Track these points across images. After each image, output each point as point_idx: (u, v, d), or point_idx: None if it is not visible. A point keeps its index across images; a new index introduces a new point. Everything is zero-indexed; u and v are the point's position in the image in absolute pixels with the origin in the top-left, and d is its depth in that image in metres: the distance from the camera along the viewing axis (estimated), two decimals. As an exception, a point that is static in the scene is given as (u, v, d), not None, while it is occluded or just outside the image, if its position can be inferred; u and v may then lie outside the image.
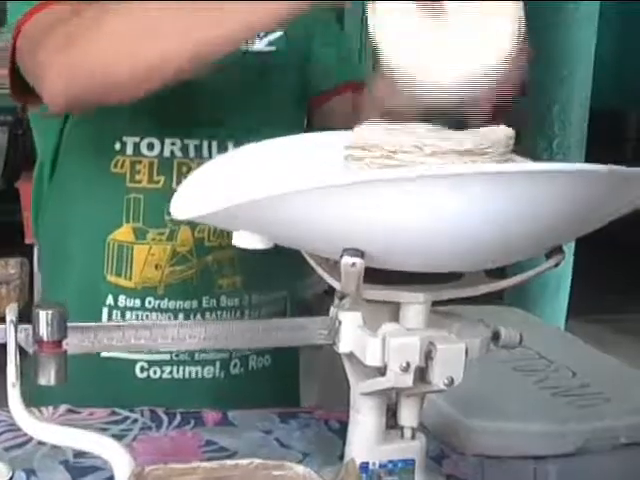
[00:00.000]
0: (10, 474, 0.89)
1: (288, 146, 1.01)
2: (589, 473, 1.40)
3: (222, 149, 1.30)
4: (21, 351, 0.85)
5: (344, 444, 0.95)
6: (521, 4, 0.88)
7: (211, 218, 0.88)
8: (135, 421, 1.21)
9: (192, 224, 1.30)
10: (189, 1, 1.02)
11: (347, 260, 0.80)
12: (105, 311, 1.31)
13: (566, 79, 3.62)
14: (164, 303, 1.31)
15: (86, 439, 0.87)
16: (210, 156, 1.29)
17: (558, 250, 0.87)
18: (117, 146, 1.28)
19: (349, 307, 0.90)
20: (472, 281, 0.90)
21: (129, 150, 1.28)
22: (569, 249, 3.02)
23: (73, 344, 0.86)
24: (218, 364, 1.34)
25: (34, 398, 0.90)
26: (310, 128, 1.42)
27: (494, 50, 0.87)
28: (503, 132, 0.86)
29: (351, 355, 0.89)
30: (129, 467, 0.85)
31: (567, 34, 3.61)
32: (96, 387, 1.29)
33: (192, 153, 1.30)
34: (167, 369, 1.33)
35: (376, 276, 0.84)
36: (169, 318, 1.31)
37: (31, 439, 1.08)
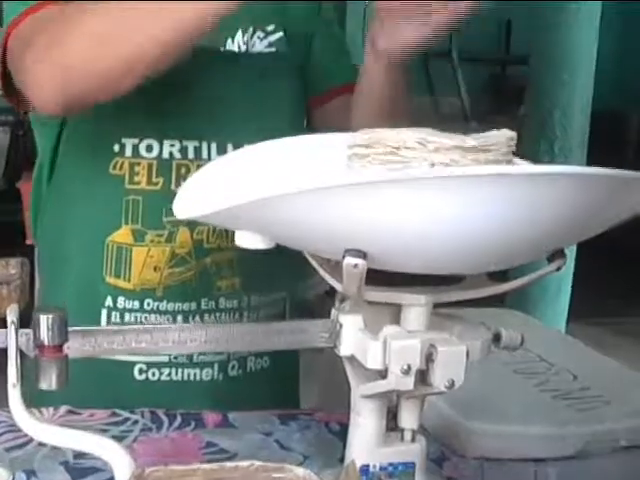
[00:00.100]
0: (10, 478, 0.89)
1: (291, 146, 1.01)
2: (589, 476, 1.40)
3: (221, 151, 1.29)
4: (21, 352, 0.85)
5: (344, 446, 0.95)
6: None
7: (213, 218, 0.88)
8: (135, 422, 1.21)
9: (191, 226, 1.30)
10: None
11: (349, 261, 0.80)
12: (104, 313, 1.31)
13: (567, 82, 3.62)
14: (163, 305, 1.31)
15: (86, 440, 0.87)
16: (209, 158, 1.29)
17: (560, 254, 0.87)
18: (116, 148, 1.28)
19: (350, 310, 0.90)
20: (474, 284, 0.90)
21: (128, 152, 1.28)
22: (570, 252, 3.02)
23: (74, 348, 0.85)
24: (216, 366, 1.34)
25: (34, 399, 0.89)
26: (310, 129, 1.42)
27: None
28: (505, 134, 0.86)
29: (352, 358, 0.89)
30: (129, 468, 0.85)
31: (569, 37, 3.61)
32: (95, 389, 1.29)
33: (191, 154, 1.29)
34: (165, 371, 1.33)
35: (377, 278, 0.84)
36: (168, 320, 1.31)
37: (31, 440, 1.07)
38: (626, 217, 0.84)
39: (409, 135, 0.82)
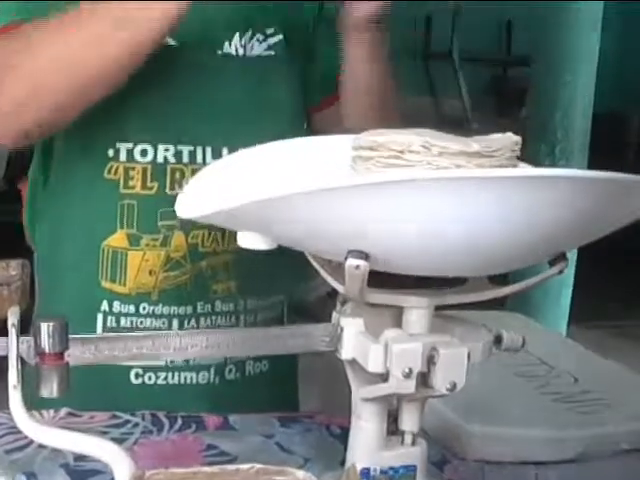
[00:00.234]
0: None
1: (294, 147, 1.01)
2: (590, 479, 1.40)
3: (216, 155, 1.29)
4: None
5: (345, 449, 0.95)
6: None
7: (216, 218, 0.88)
8: (136, 425, 1.21)
9: (186, 230, 1.30)
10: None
11: (351, 262, 0.80)
12: (100, 317, 1.31)
13: (569, 84, 3.62)
14: (158, 309, 1.31)
15: (87, 443, 0.86)
16: (204, 162, 1.29)
17: (562, 257, 0.87)
18: (110, 152, 1.28)
19: (351, 313, 0.90)
20: (476, 287, 0.90)
21: (122, 156, 1.28)
22: (571, 256, 3.02)
23: (75, 355, 0.85)
24: (213, 369, 1.34)
25: (33, 402, 0.89)
26: (310, 132, 1.42)
27: None
28: (510, 138, 0.86)
29: (353, 361, 0.89)
30: (130, 471, 0.85)
31: (570, 38, 3.61)
32: (91, 393, 1.28)
33: (186, 159, 1.29)
34: (162, 375, 1.33)
35: (379, 281, 0.84)
36: (163, 324, 1.31)
37: (32, 442, 1.08)
38: (627, 221, 0.84)
39: (414, 139, 0.82)
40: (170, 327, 1.31)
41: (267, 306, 1.40)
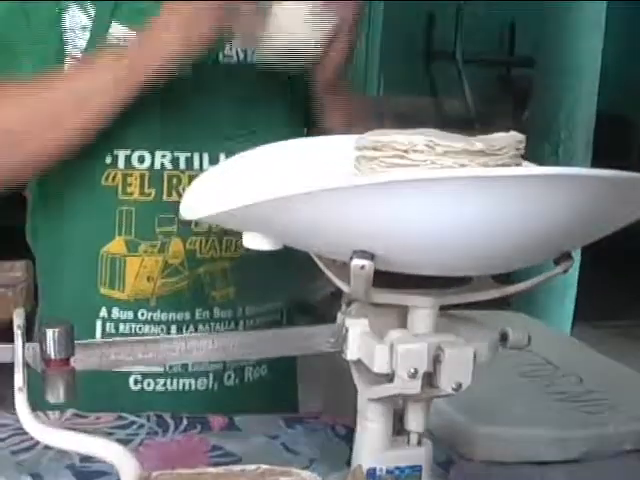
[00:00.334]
0: None
1: (299, 148, 1.01)
2: (594, 479, 1.40)
3: (214, 161, 1.29)
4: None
5: (351, 450, 0.95)
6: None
7: (220, 218, 0.88)
8: (141, 426, 1.21)
9: (183, 236, 1.30)
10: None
11: (357, 262, 0.80)
12: (99, 324, 1.31)
13: (572, 85, 3.62)
14: (157, 315, 1.31)
15: (93, 443, 0.87)
16: (201, 168, 1.29)
17: (567, 256, 0.87)
18: (108, 159, 1.28)
19: (356, 314, 0.90)
20: (481, 286, 0.90)
21: (120, 163, 1.28)
22: (575, 255, 3.02)
23: (81, 361, 0.86)
24: (211, 376, 1.34)
25: (37, 403, 0.89)
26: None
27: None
28: (514, 137, 0.86)
29: (358, 362, 0.89)
30: (136, 472, 0.85)
31: (574, 40, 3.61)
32: (90, 399, 1.28)
33: (183, 165, 1.29)
34: (161, 381, 1.33)
35: (384, 281, 0.84)
36: (162, 330, 1.31)
37: (37, 443, 1.08)
38: (632, 219, 0.84)
39: (417, 138, 0.82)
40: (169, 333, 1.31)
41: (265, 312, 1.39)
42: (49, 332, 0.83)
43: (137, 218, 1.29)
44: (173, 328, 1.31)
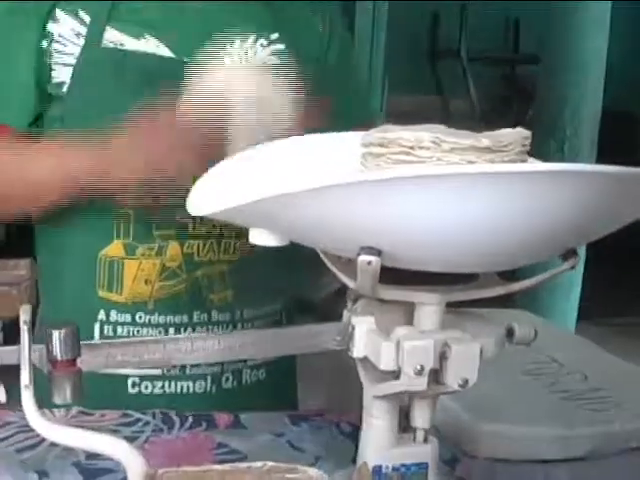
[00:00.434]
0: None
1: (307, 144, 1.01)
2: (599, 477, 1.40)
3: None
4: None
5: (356, 447, 0.95)
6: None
7: (228, 214, 0.88)
8: (147, 423, 1.21)
9: (181, 240, 1.30)
10: None
11: (364, 258, 0.80)
12: (97, 327, 1.32)
13: (578, 82, 3.62)
14: (154, 318, 1.31)
15: (99, 441, 0.87)
16: None
17: (573, 253, 0.87)
18: None
19: (362, 311, 0.90)
20: (487, 283, 0.90)
21: None
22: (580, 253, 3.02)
23: (87, 362, 0.86)
24: (209, 378, 1.34)
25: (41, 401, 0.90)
26: None
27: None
28: (520, 133, 0.85)
29: (365, 359, 0.89)
30: (142, 469, 0.85)
31: (579, 37, 3.60)
32: (89, 402, 1.28)
33: None
34: (159, 384, 1.33)
35: (390, 277, 0.84)
36: (160, 333, 1.31)
37: (43, 440, 1.08)
38: (638, 216, 0.84)
39: (424, 135, 0.82)
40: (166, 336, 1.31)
41: (264, 315, 1.39)
42: (55, 333, 0.83)
43: (135, 221, 1.30)
44: (171, 331, 1.32)
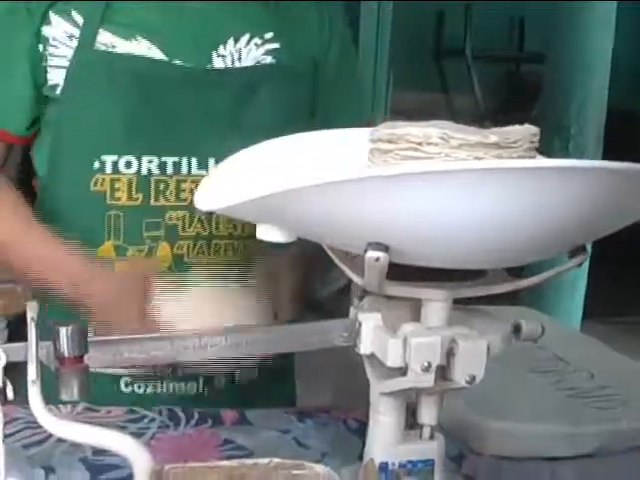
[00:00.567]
0: None
1: (315, 140, 1.01)
2: (605, 475, 1.40)
3: (203, 166, 1.29)
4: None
5: (363, 444, 0.95)
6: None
7: (236, 210, 0.88)
8: (153, 420, 1.21)
9: (171, 241, 1.30)
10: None
11: (371, 254, 0.80)
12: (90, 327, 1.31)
13: (583, 80, 3.61)
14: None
15: (106, 437, 0.86)
16: (189, 173, 1.29)
17: (581, 249, 0.87)
18: (96, 165, 1.28)
19: (369, 308, 0.90)
20: (494, 279, 0.90)
21: (108, 169, 1.28)
22: (585, 251, 3.01)
23: (95, 358, 0.85)
24: (202, 379, 1.34)
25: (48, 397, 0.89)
26: None
27: None
28: (529, 130, 0.85)
29: (372, 356, 0.88)
30: (148, 465, 0.85)
31: (584, 35, 3.60)
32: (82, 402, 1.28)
33: (170, 170, 1.29)
34: (151, 384, 1.33)
35: (397, 274, 0.84)
36: None
37: (50, 436, 1.08)
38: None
39: (432, 131, 0.82)
40: None
41: None
42: (62, 330, 0.83)
43: (125, 223, 1.30)
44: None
